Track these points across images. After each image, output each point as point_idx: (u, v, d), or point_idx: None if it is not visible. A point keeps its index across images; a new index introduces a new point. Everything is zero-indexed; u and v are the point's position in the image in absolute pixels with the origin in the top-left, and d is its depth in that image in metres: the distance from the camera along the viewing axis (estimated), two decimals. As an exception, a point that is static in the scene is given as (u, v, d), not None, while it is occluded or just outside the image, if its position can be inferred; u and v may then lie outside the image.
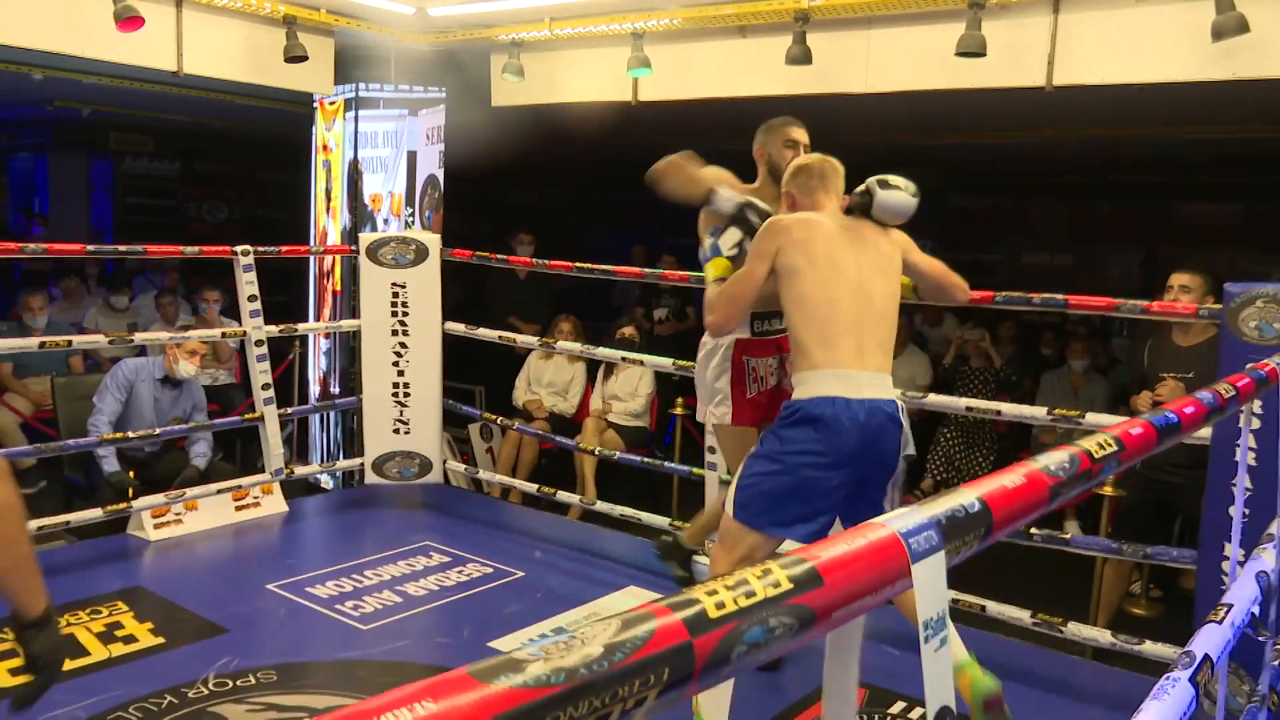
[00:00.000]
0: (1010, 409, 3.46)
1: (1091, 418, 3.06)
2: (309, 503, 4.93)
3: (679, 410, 5.79)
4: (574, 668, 0.39)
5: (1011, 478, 0.78)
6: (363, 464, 4.87)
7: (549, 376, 6.19)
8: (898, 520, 0.62)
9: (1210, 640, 1.28)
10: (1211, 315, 2.86)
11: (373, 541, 4.31)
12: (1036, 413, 3.30)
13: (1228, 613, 1.35)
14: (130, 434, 4.24)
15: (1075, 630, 3.09)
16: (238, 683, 2.91)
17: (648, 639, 0.42)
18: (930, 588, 0.60)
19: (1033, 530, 3.35)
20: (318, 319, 6.05)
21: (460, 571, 3.95)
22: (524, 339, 5.12)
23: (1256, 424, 2.61)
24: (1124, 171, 9.01)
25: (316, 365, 6.25)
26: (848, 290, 2.42)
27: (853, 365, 2.36)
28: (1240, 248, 8.36)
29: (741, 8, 4.18)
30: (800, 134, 2.93)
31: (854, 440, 2.33)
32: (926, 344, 7.31)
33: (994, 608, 3.21)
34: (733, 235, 2.72)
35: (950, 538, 0.64)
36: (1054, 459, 0.85)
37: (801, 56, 4.00)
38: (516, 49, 4.79)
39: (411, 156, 5.74)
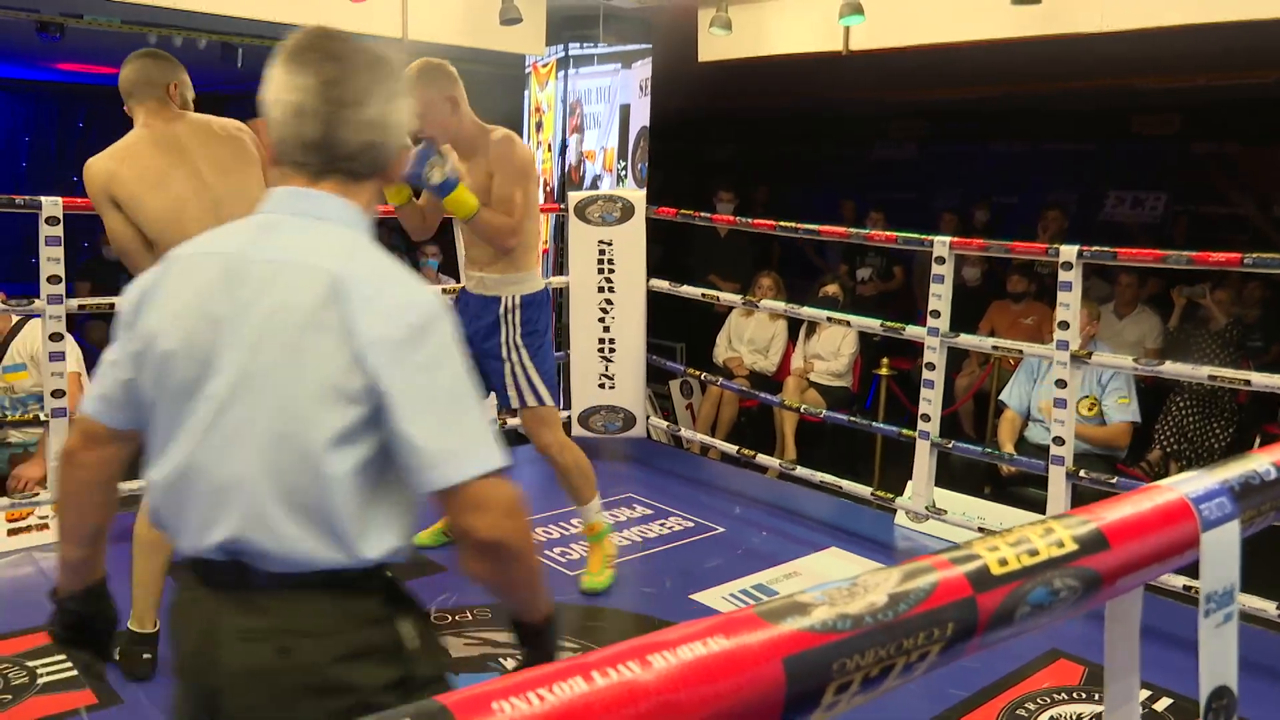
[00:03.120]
0: (1261, 378, 3.16)
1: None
2: (519, 452, 5.13)
3: (884, 370, 5.64)
4: (859, 615, 0.37)
5: (1311, 446, 0.70)
6: (569, 416, 5.02)
7: (750, 334, 6.17)
8: (1186, 484, 0.57)
9: None
10: None
11: (579, 491, 4.44)
12: (1293, 382, 3.00)
13: None
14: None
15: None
16: (456, 617, 3.09)
17: (931, 591, 0.40)
18: (1219, 559, 0.55)
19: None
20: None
21: (662, 524, 4.02)
22: (727, 296, 5.11)
23: None
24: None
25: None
26: None
27: None
28: None
29: (963, -53, 3.95)
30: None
31: None
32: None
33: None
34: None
35: (1244, 506, 0.58)
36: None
37: (1030, -5, 3.74)
38: (725, 2, 4.73)
39: (624, 110, 5.78)
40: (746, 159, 11.30)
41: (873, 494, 4.08)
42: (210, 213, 2.45)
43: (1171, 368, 3.37)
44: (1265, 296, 6.42)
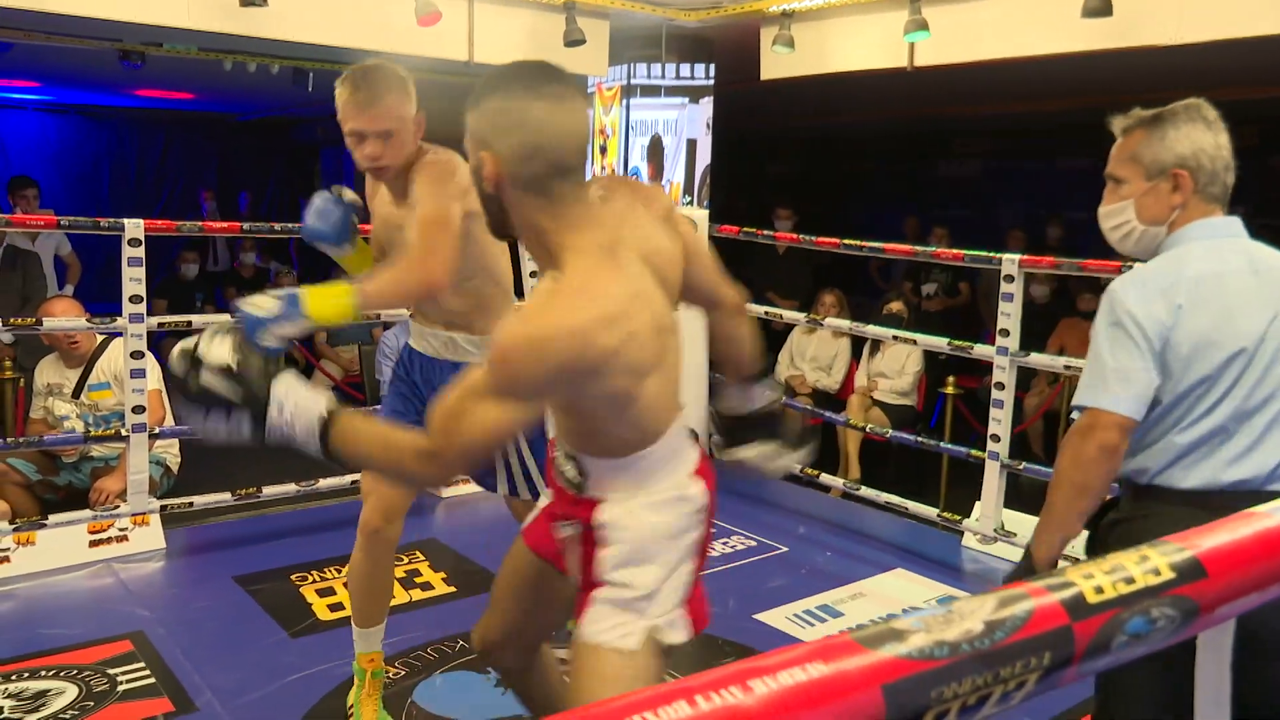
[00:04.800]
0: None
1: None
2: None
3: (949, 389, 5.57)
4: (956, 642, 0.37)
5: None
6: (632, 434, 5.03)
7: (812, 351, 6.13)
8: (1283, 511, 0.55)
9: None
10: None
11: (641, 509, 4.44)
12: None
13: None
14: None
15: None
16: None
17: (1027, 619, 0.39)
18: (1322, 589, 0.53)
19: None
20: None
21: (725, 543, 4.00)
22: (790, 315, 5.09)
23: None
24: None
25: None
26: None
27: None
28: None
29: (1031, -39, 3.91)
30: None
31: None
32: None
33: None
34: None
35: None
36: None
37: (1100, 8, 3.68)
38: (787, 20, 4.74)
39: (691, 145, 5.79)
40: (808, 176, 11.26)
41: (939, 515, 4.01)
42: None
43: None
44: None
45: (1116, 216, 1.86)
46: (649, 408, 1.54)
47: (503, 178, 1.43)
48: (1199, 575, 0.47)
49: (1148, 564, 0.45)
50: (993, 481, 3.76)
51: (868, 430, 4.76)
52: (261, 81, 7.24)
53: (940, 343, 4.02)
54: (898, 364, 5.76)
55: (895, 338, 4.61)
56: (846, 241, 4.24)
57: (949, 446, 4.30)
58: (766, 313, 4.89)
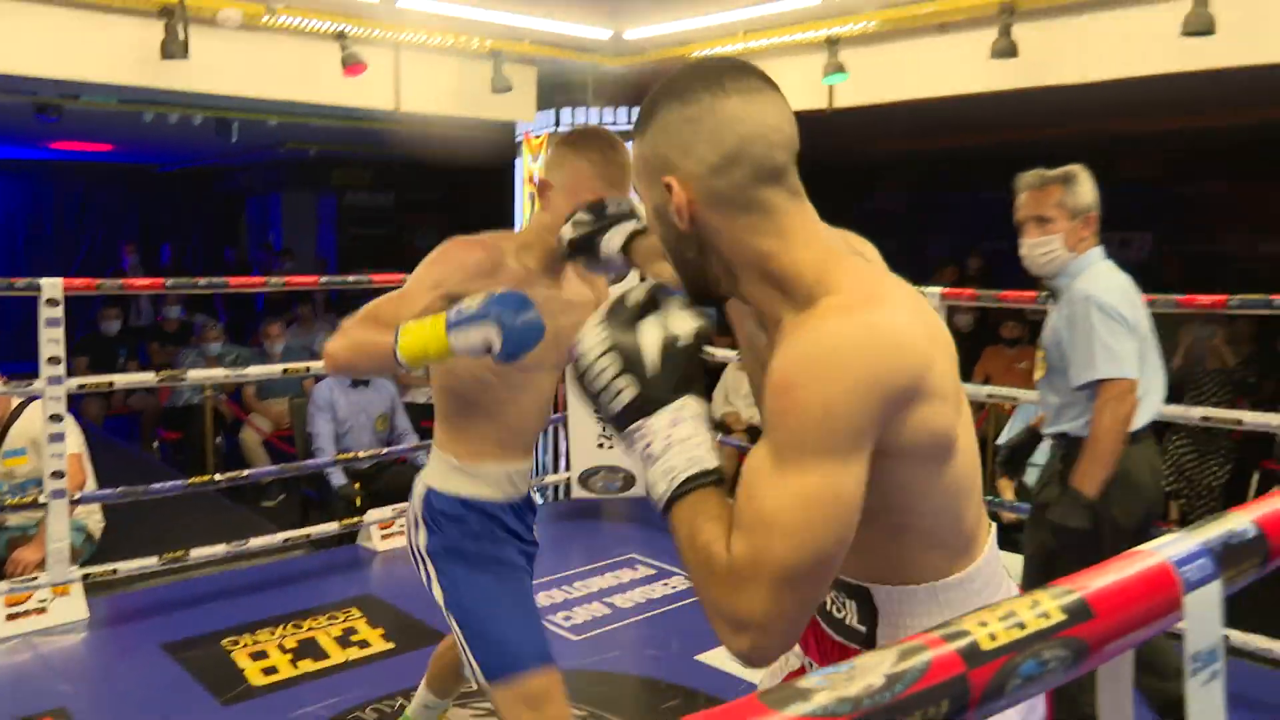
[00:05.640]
0: (1252, 418, 3.18)
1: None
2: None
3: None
4: (858, 697, 0.39)
5: (1288, 499, 0.73)
6: (569, 478, 5.02)
7: (746, 388, 6.19)
8: (1167, 547, 0.59)
9: None
10: None
11: (580, 554, 4.43)
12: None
13: None
14: (360, 454, 4.58)
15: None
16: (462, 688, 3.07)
17: (925, 670, 0.42)
18: (1202, 620, 0.57)
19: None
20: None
21: (666, 584, 4.01)
22: (722, 353, 5.14)
23: None
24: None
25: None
26: None
27: None
28: None
29: (941, 4, 4.06)
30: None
31: None
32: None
33: (1237, 638, 2.94)
34: None
35: (1225, 566, 0.60)
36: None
37: (1007, 50, 3.84)
38: (709, 65, 4.84)
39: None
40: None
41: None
42: None
43: (1166, 409, 3.39)
44: (1254, 333, 6.49)
45: (1046, 246, 2.54)
46: (963, 490, 1.13)
47: (696, 204, 1.09)
48: (1087, 616, 0.50)
49: (1039, 608, 0.48)
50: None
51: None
52: (184, 132, 7.16)
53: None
54: None
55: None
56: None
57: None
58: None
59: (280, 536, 4.07)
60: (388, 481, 4.96)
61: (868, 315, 1.01)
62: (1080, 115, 6.57)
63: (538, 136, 6.00)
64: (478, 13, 4.41)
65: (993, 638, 0.45)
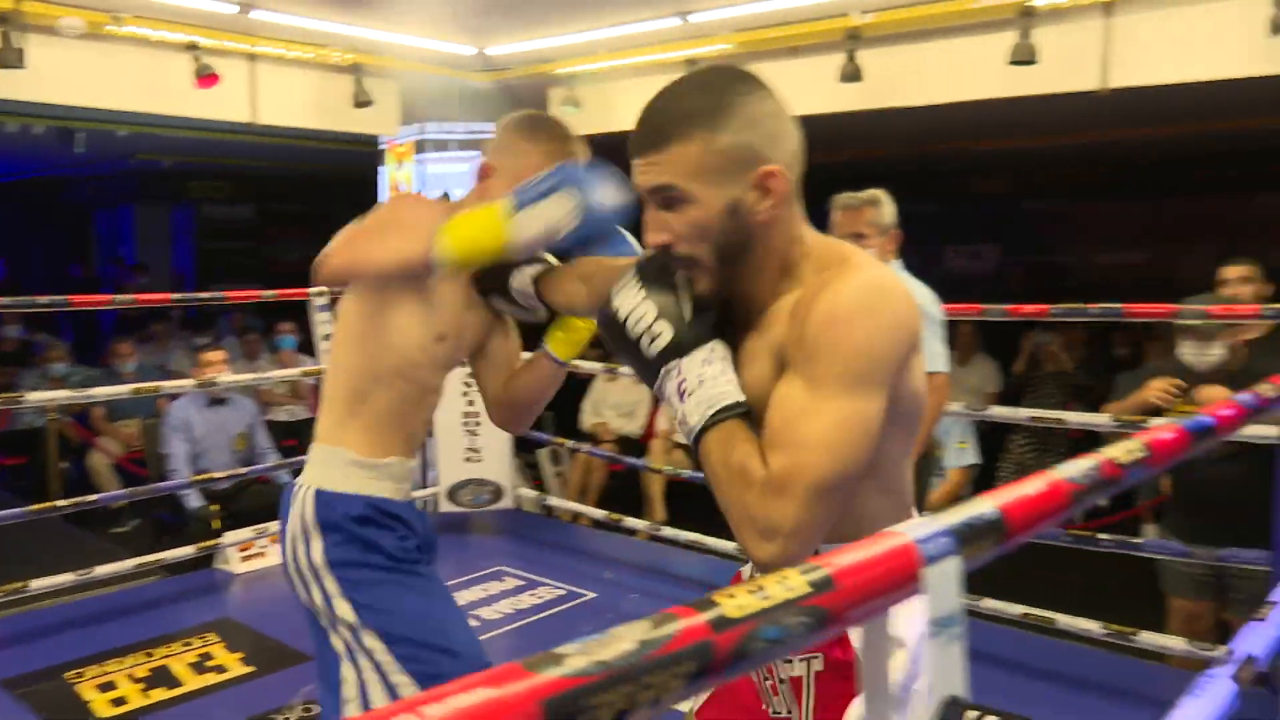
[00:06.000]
0: (1075, 418, 3.44)
1: (1158, 424, 3.03)
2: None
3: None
4: (610, 660, 0.45)
5: (1034, 485, 0.83)
6: (436, 493, 5.00)
7: (615, 398, 6.29)
8: (914, 529, 0.68)
9: (1254, 639, 1.30)
10: (1276, 314, 2.82)
11: (448, 568, 4.41)
12: (1100, 419, 3.28)
13: (1273, 610, 1.37)
14: (216, 474, 4.45)
15: (1150, 639, 3.05)
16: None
17: (673, 635, 0.48)
18: (941, 591, 0.66)
19: (1101, 535, 3.32)
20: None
21: (533, 594, 4.04)
22: (587, 365, 5.21)
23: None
24: (1199, 166, 8.83)
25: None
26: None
27: None
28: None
29: (792, 29, 4.25)
30: None
31: None
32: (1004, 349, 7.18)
33: (1064, 620, 3.18)
34: None
35: (965, 544, 0.70)
36: (1077, 466, 0.90)
37: (854, 74, 4.05)
38: (573, 82, 4.92)
39: (481, 196, 5.87)
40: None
41: (739, 550, 4.20)
42: None
43: (997, 411, 3.63)
44: (1088, 338, 6.97)
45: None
46: (910, 444, 1.27)
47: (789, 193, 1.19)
48: (829, 588, 0.58)
49: (786, 582, 0.56)
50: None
51: (665, 473, 4.93)
52: (23, 141, 6.82)
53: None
54: None
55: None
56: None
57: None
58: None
59: (131, 563, 3.93)
60: (248, 502, 4.84)
61: (887, 273, 1.18)
62: (934, 135, 6.94)
63: (401, 144, 5.97)
64: (337, 27, 4.38)
65: (740, 608, 0.52)
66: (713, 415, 1.15)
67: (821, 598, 0.56)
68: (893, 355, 1.14)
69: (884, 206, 2.80)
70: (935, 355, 2.76)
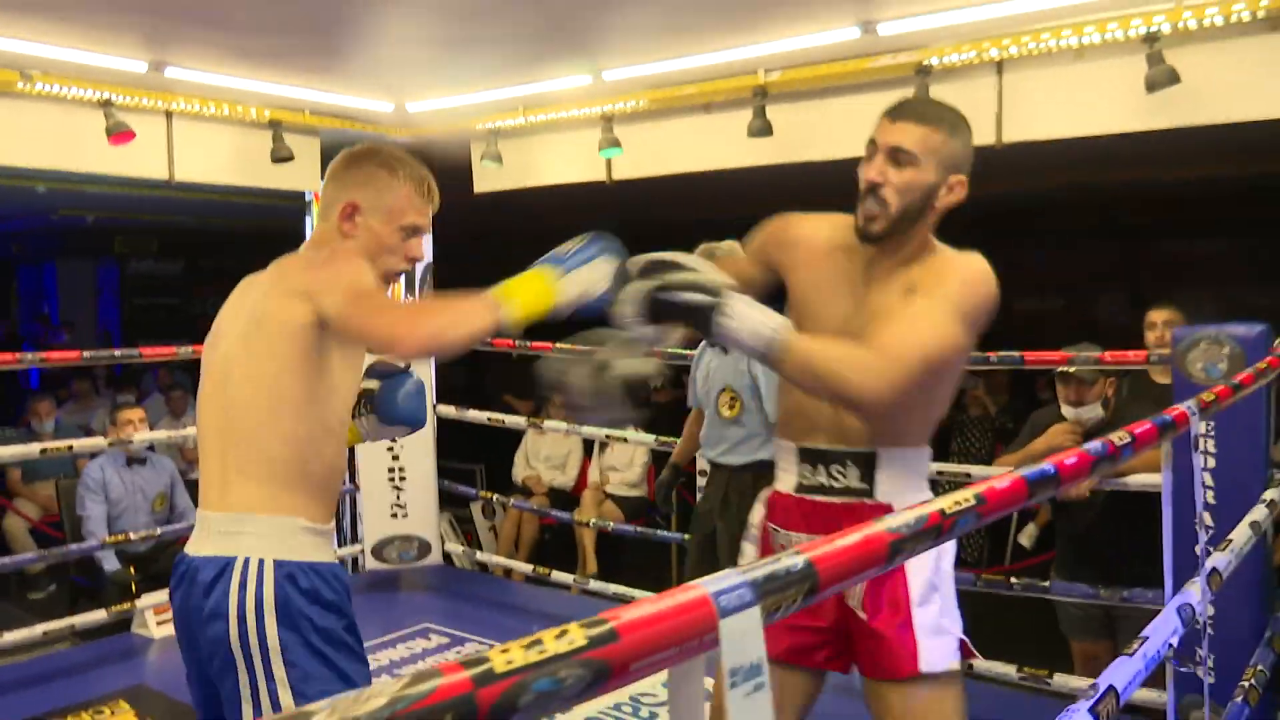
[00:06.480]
0: (950, 467, 3.53)
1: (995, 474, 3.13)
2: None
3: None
4: (360, 717, 0.48)
5: (852, 537, 0.87)
6: (361, 549, 4.94)
7: (546, 451, 6.28)
8: (714, 582, 0.71)
9: (1119, 673, 1.35)
10: (1162, 360, 2.95)
11: (371, 626, 4.30)
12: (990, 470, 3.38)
13: (1140, 646, 1.43)
14: (131, 535, 4.35)
15: (1063, 681, 3.12)
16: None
17: (431, 692, 0.50)
18: (739, 644, 0.69)
19: (1013, 580, 3.41)
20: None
21: (458, 652, 4.00)
22: (512, 419, 5.21)
23: (1210, 461, 2.68)
24: (1107, 214, 9.17)
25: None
26: (209, 380, 1.78)
27: (201, 500, 1.76)
28: (1229, 282, 8.45)
29: (703, 86, 4.36)
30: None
31: (175, 621, 1.80)
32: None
33: (981, 664, 3.24)
34: None
35: (766, 596, 0.73)
36: (901, 518, 0.94)
37: (763, 129, 4.16)
38: (494, 137, 4.98)
39: (407, 246, 5.88)
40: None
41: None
42: None
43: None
44: (1010, 383, 7.15)
45: None
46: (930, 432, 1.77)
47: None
48: (612, 640, 0.60)
49: (566, 636, 0.58)
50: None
51: (592, 526, 4.93)
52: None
53: (648, 439, 4.26)
54: (626, 457, 6.01)
55: (609, 437, 4.82)
56: (559, 345, 4.44)
57: (666, 535, 4.54)
58: (489, 419, 4.99)
59: (40, 629, 3.81)
60: (166, 563, 4.70)
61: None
62: (828, 191, 7.11)
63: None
64: (254, 84, 4.39)
65: (509, 662, 0.54)
66: (784, 331, 1.50)
67: (601, 650, 0.59)
68: (984, 314, 1.64)
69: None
70: None
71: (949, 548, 1.68)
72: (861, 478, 1.67)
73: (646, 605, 0.65)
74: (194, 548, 1.73)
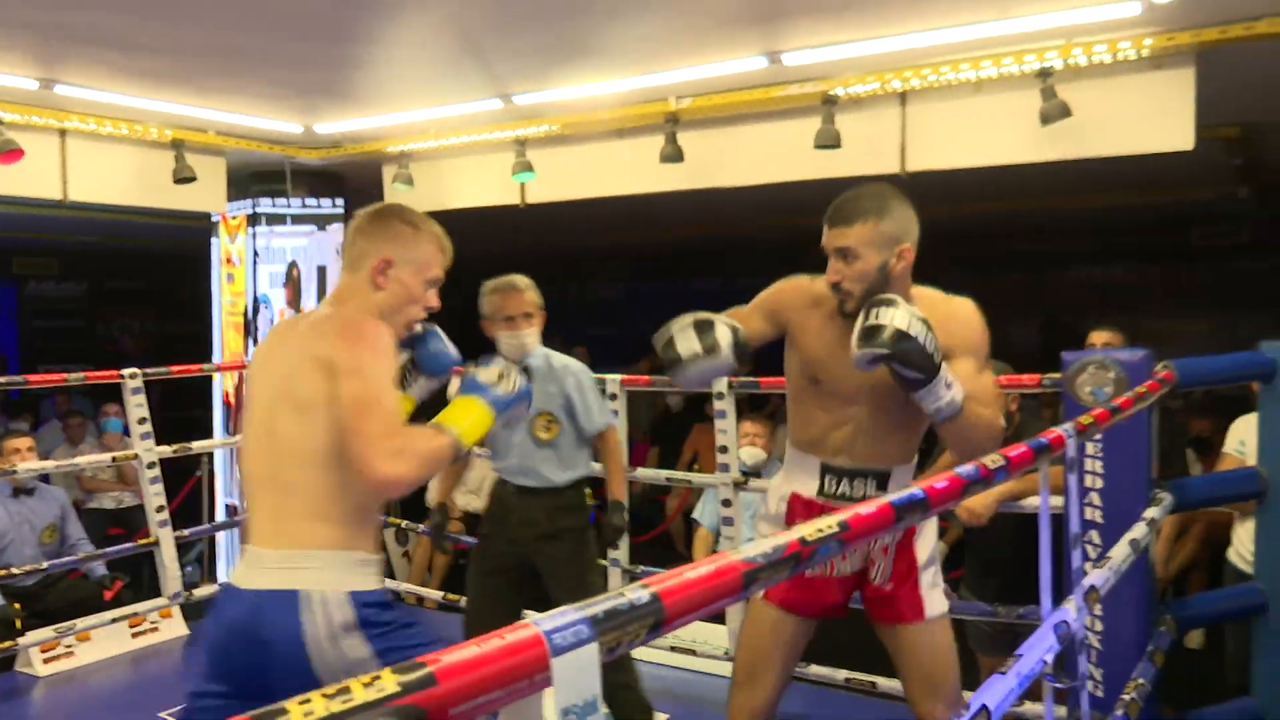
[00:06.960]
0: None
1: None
2: (214, 623, 4.81)
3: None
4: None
5: (705, 567, 0.87)
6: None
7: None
8: (548, 619, 0.70)
9: (993, 691, 1.36)
10: (1054, 384, 3.03)
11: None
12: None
13: (1015, 664, 1.45)
14: (14, 569, 4.15)
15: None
16: None
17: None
18: (574, 681, 0.68)
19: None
20: (227, 434, 6.00)
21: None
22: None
23: (1098, 481, 2.76)
24: (1017, 242, 9.46)
25: (231, 480, 6.17)
26: (254, 426, 1.90)
27: (254, 538, 1.85)
28: (1143, 308, 8.76)
29: (616, 112, 4.37)
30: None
31: (217, 647, 1.85)
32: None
33: (884, 683, 3.28)
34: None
35: (606, 632, 0.72)
36: (759, 546, 0.94)
37: (674, 155, 4.19)
38: (405, 159, 4.93)
39: (321, 271, 5.79)
40: (452, 305, 11.52)
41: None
42: None
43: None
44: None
45: (528, 336, 3.07)
46: None
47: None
48: (429, 684, 0.59)
49: (376, 684, 0.57)
50: (616, 584, 3.98)
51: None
52: None
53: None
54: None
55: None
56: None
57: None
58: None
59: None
60: (55, 599, 4.51)
61: None
62: (772, 212, 7.22)
63: (234, 217, 5.84)
64: (155, 104, 4.27)
65: (308, 713, 0.52)
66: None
67: (417, 696, 0.57)
68: None
69: (537, 290, 3.11)
70: (607, 410, 3.28)
71: (934, 526, 2.26)
72: (878, 489, 2.15)
73: (472, 648, 0.64)
74: (246, 581, 1.82)
